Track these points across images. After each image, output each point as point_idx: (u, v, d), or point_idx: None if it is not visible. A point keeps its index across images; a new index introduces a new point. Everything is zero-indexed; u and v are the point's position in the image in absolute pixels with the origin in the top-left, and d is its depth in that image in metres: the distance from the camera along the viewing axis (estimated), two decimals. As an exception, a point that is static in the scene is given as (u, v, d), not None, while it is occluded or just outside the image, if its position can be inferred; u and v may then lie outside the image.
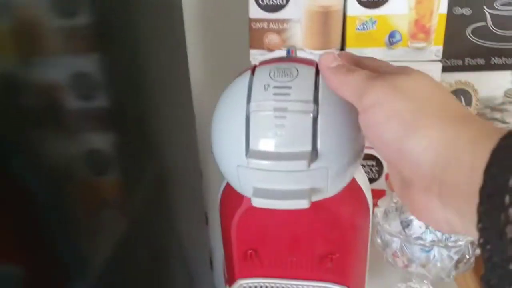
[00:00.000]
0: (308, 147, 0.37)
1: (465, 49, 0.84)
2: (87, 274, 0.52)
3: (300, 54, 0.66)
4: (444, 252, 0.51)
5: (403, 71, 0.31)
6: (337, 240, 0.50)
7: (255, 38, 0.69)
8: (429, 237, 0.51)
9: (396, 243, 0.52)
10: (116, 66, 0.54)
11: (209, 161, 0.97)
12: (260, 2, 0.66)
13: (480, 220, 0.23)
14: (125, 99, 0.58)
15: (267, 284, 0.54)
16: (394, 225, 0.53)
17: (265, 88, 0.39)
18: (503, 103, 0.71)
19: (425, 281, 0.58)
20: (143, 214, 0.68)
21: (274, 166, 0.37)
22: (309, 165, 0.36)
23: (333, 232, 0.50)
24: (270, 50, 0.70)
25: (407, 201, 0.31)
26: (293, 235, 0.52)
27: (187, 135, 0.88)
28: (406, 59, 0.67)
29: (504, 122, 0.67)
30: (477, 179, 0.23)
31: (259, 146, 0.38)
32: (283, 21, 0.67)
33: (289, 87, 0.38)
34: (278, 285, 0.54)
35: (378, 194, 0.62)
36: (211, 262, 1.06)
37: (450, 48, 0.85)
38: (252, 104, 0.38)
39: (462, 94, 0.62)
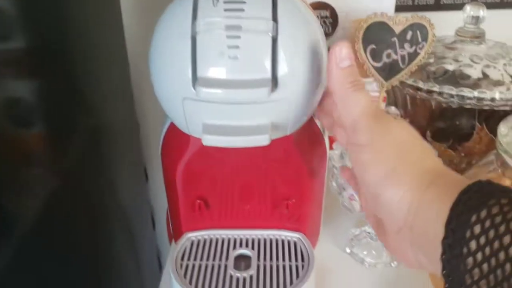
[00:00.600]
0: (267, 73, 0.32)
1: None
2: (12, 234, 0.45)
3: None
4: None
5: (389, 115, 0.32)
6: (294, 185, 0.46)
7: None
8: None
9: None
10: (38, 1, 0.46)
11: (146, 112, 0.89)
12: None
13: (444, 267, 0.25)
14: (49, 40, 0.50)
15: (218, 236, 0.49)
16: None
17: (213, 3, 0.32)
18: (454, 42, 0.69)
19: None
20: (76, 171, 0.61)
21: (227, 96, 0.31)
22: (269, 93, 0.31)
23: (289, 176, 0.45)
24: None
25: (381, 238, 0.33)
26: (246, 182, 0.47)
27: (121, 82, 0.80)
28: (358, -6, 0.62)
29: (456, 60, 0.65)
30: (441, 231, 0.26)
31: (208, 73, 0.32)
32: None
33: (243, 2, 0.33)
34: (230, 236, 0.49)
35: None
36: (153, 222, 1.01)
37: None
38: (199, 22, 0.32)
39: (418, 29, 0.58)
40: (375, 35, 0.58)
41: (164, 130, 0.46)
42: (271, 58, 0.32)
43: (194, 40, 0.32)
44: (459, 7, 0.72)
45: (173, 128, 0.45)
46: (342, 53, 0.32)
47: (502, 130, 0.47)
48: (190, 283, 0.43)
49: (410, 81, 0.65)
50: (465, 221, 0.24)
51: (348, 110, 0.32)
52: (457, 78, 0.63)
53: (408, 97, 0.67)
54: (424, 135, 0.68)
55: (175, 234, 0.52)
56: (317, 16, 0.65)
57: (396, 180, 0.29)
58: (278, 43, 0.32)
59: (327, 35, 0.65)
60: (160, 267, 1.01)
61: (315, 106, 0.38)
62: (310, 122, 0.45)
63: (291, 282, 0.43)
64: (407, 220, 0.29)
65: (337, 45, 0.32)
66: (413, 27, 0.58)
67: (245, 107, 0.33)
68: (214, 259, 0.46)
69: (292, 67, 0.33)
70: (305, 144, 0.44)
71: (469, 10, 0.68)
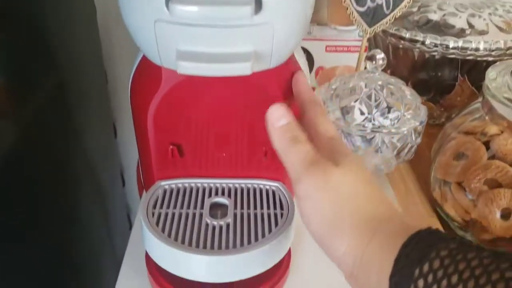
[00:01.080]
0: (251, -6, 0.29)
1: None
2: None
3: None
4: (387, 140, 0.46)
5: (337, 159, 0.31)
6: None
7: None
8: (370, 125, 0.46)
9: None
10: None
11: (115, 66, 0.85)
12: None
13: None
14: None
15: (192, 185, 0.46)
16: (333, 114, 0.47)
17: None
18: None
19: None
20: (41, 125, 0.57)
21: (205, 15, 0.28)
22: (252, 12, 0.28)
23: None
24: None
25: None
26: (223, 126, 0.44)
27: (89, 35, 0.75)
28: None
29: (440, 9, 0.63)
30: (385, 284, 0.26)
31: (184, -9, 0.29)
32: None
33: None
34: (205, 185, 0.46)
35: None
36: (122, 179, 0.97)
37: None
38: None
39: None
40: (360, -23, 0.55)
41: (134, 67, 0.42)
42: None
43: None
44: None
45: (143, 65, 0.41)
46: (278, 113, 0.33)
47: (491, 74, 0.45)
48: (163, 231, 0.41)
49: (393, 30, 0.63)
50: (408, 275, 0.25)
51: (289, 164, 0.32)
52: (441, 27, 0.61)
53: (390, 47, 0.64)
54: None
55: (147, 184, 0.48)
56: None
57: (337, 233, 0.29)
58: (264, -41, 0.29)
59: None
60: (130, 225, 0.99)
61: (300, 37, 0.35)
62: (292, 60, 0.42)
63: (270, 230, 0.41)
64: (353, 271, 0.29)
65: (272, 107, 0.34)
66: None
67: (225, 31, 0.29)
68: (188, 207, 0.44)
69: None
70: (286, 84, 0.42)
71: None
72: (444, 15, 0.62)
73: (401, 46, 0.62)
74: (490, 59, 0.60)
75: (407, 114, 0.47)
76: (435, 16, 0.63)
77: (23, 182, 0.52)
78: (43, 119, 0.58)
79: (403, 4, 0.58)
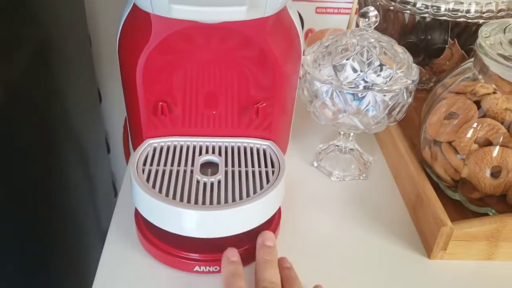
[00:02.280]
0: None
1: None
2: None
3: None
4: (379, 98, 0.46)
5: None
6: (266, 85, 0.42)
7: None
8: (362, 83, 0.46)
9: (326, 92, 0.47)
10: None
11: (99, 30, 0.82)
12: None
13: None
14: None
15: (182, 143, 0.46)
16: (325, 72, 0.47)
17: None
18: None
19: (351, 138, 0.54)
20: (22, 86, 0.55)
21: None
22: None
23: (263, 75, 0.42)
24: None
25: None
26: (214, 82, 0.43)
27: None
28: None
29: None
30: None
31: None
32: None
33: None
34: (195, 143, 0.46)
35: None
36: (107, 146, 0.96)
37: None
38: None
39: None
40: None
41: (122, 20, 0.41)
42: None
43: None
44: None
45: (132, 17, 0.40)
46: (269, 235, 0.40)
47: (484, 32, 0.45)
48: (153, 187, 0.40)
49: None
50: None
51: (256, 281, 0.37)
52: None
53: (381, 9, 0.63)
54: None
55: (135, 143, 0.48)
56: None
57: None
58: None
59: None
60: (116, 193, 0.98)
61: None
62: (286, 15, 0.41)
63: (261, 187, 0.41)
64: None
65: (265, 231, 0.40)
66: None
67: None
68: (178, 165, 0.43)
69: None
70: (280, 39, 0.41)
71: None
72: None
73: (391, 8, 0.61)
74: (481, 21, 0.59)
75: (399, 72, 0.46)
76: None
77: (2, 144, 0.51)
78: (25, 79, 0.56)
79: (395, -36, 0.57)
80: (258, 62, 0.41)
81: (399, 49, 0.48)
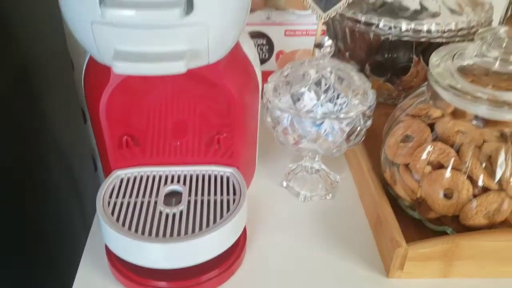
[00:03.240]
0: (181, -6, 0.30)
1: None
2: None
3: None
4: (336, 125, 0.48)
5: None
6: (225, 117, 0.45)
7: None
8: (320, 110, 0.48)
9: (286, 119, 0.49)
10: None
11: (80, 52, 0.85)
12: None
13: None
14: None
15: (148, 173, 0.48)
16: (285, 100, 0.49)
17: None
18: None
19: (316, 159, 0.56)
20: (7, 108, 0.57)
21: (136, 18, 0.29)
22: (181, 15, 0.29)
23: (220, 109, 0.44)
24: None
25: None
26: (176, 115, 0.45)
27: (51, 18, 0.74)
28: None
29: None
30: None
31: (116, -6, 0.29)
32: None
33: None
34: (161, 173, 0.48)
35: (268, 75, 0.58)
36: (94, 164, 0.98)
37: None
38: None
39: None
40: (311, -37, 0.56)
41: (85, 62, 0.43)
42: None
43: None
44: None
45: (93, 59, 0.42)
46: None
47: (433, 61, 0.47)
48: (118, 220, 0.42)
49: (349, 13, 0.64)
50: None
51: None
52: (395, 10, 0.62)
53: (347, 30, 0.66)
54: (363, 69, 0.68)
55: (105, 173, 0.50)
56: (255, 44, 0.67)
57: None
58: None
59: (264, 60, 0.68)
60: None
61: (239, 32, 0.36)
62: (239, 52, 0.43)
63: (221, 216, 0.43)
64: None
65: None
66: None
67: (159, 31, 0.30)
68: (144, 196, 0.45)
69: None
70: (235, 75, 0.43)
71: None
72: (398, -3, 0.63)
73: (357, 29, 0.64)
74: (444, 40, 0.61)
75: (354, 100, 0.48)
76: None
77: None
78: (10, 100, 0.58)
79: (355, -11, 0.59)
80: (214, 97, 0.43)
81: (356, 76, 0.50)
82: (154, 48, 0.31)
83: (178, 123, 0.45)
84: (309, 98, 0.48)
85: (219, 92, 0.42)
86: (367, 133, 0.52)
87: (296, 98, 0.49)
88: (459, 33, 0.61)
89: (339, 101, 0.48)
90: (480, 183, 0.45)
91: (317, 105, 0.48)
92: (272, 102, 0.49)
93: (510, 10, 0.56)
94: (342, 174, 0.60)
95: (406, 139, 0.49)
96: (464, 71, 0.46)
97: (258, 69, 0.45)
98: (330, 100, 0.48)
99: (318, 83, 0.48)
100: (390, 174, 0.51)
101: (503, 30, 0.45)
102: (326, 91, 0.48)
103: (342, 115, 0.48)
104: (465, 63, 0.47)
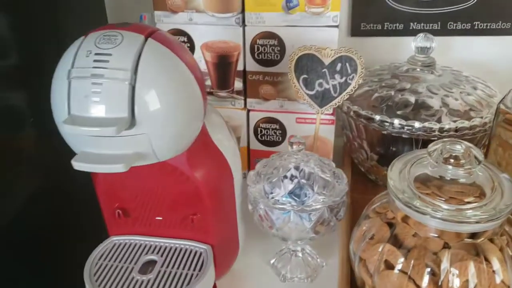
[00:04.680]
0: (124, 114, 0.39)
1: (385, 14, 0.85)
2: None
3: (201, 16, 0.66)
4: (302, 216, 0.53)
5: None
6: (194, 202, 0.52)
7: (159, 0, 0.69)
8: (287, 200, 0.53)
9: (261, 206, 0.54)
10: None
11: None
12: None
13: None
14: None
15: (137, 242, 0.56)
16: (259, 188, 0.55)
17: (87, 54, 0.39)
18: (407, 71, 0.71)
19: (299, 242, 0.61)
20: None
21: (85, 132, 0.38)
22: (118, 132, 0.38)
23: (190, 193, 0.51)
24: (174, 11, 0.70)
25: None
26: (156, 196, 0.53)
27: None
28: (303, 24, 0.67)
29: (416, 92, 0.67)
30: None
31: (77, 111, 0.39)
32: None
33: (110, 54, 0.39)
34: (147, 242, 0.56)
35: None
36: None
37: (370, 12, 0.85)
38: (73, 70, 0.39)
39: (347, 61, 0.62)
40: (306, 66, 0.63)
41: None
42: (128, 101, 0.38)
43: (70, 84, 0.39)
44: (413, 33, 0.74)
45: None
46: None
47: (394, 166, 0.50)
48: (96, 280, 0.51)
49: (354, 107, 0.68)
50: None
51: None
52: (393, 108, 0.66)
53: (352, 121, 0.70)
54: (368, 158, 0.72)
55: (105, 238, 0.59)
56: (267, 129, 0.74)
57: None
58: (136, 90, 0.39)
59: (277, 143, 0.74)
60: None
61: (189, 138, 0.44)
62: (208, 141, 0.51)
63: (181, 288, 0.50)
64: None
65: None
66: (341, 59, 0.62)
67: (108, 139, 0.39)
68: (125, 261, 0.54)
69: (148, 110, 0.39)
70: (201, 164, 0.50)
71: (419, 41, 0.70)
72: (403, 94, 0.67)
73: (358, 122, 0.68)
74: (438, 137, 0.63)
75: (318, 195, 0.53)
76: (412, 99, 0.67)
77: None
78: None
79: (349, 89, 0.64)
80: (184, 184, 0.50)
81: (322, 174, 0.55)
82: (106, 151, 0.40)
83: (159, 203, 0.54)
84: (278, 189, 0.54)
85: (186, 180, 0.50)
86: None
87: (271, 187, 0.55)
88: (471, 130, 0.63)
89: (308, 194, 0.53)
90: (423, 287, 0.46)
91: (285, 196, 0.54)
92: (249, 188, 0.56)
93: (497, 115, 0.57)
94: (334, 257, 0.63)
95: (367, 235, 0.52)
96: (421, 181, 0.48)
97: (233, 155, 0.53)
98: (298, 192, 0.53)
99: (287, 176, 0.54)
100: (356, 266, 0.54)
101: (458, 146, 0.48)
102: (295, 184, 0.54)
103: (306, 208, 0.53)
104: (422, 172, 0.49)
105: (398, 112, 0.66)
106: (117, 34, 0.40)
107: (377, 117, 0.65)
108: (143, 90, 0.39)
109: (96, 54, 0.39)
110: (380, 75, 0.74)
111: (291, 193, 0.53)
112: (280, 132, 0.75)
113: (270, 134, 0.76)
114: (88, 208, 0.79)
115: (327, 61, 0.63)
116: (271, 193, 0.54)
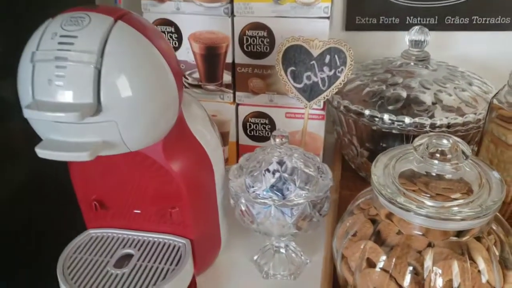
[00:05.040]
0: (89, 99, 0.37)
1: (381, 7, 0.82)
2: None
3: (189, 6, 0.65)
4: (283, 211, 0.51)
5: None
6: (172, 195, 0.50)
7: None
8: (268, 195, 0.51)
9: (241, 200, 0.53)
10: None
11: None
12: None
13: None
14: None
15: (114, 235, 0.55)
16: (240, 182, 0.53)
17: (52, 36, 0.38)
18: (400, 65, 0.69)
19: (283, 238, 0.59)
20: None
21: (48, 117, 0.36)
22: (82, 118, 0.36)
23: (168, 188, 0.50)
24: (161, 0, 0.69)
25: None
26: (132, 188, 0.52)
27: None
28: (294, 15, 0.65)
29: (409, 87, 0.65)
30: None
31: (40, 96, 0.38)
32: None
33: (75, 37, 0.37)
34: (124, 236, 0.54)
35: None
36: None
37: (365, 6, 0.83)
38: (38, 52, 0.38)
39: (336, 53, 0.60)
40: (294, 57, 0.61)
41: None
42: (94, 86, 0.37)
43: (33, 67, 0.38)
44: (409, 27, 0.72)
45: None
46: None
47: (378, 162, 0.48)
48: (70, 274, 0.49)
49: (344, 102, 0.67)
50: None
51: None
52: (411, 105, 0.63)
53: (342, 117, 0.68)
54: (358, 154, 0.70)
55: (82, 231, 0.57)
56: (256, 123, 0.70)
57: None
58: (102, 73, 0.37)
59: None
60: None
61: (163, 128, 0.42)
62: (185, 131, 0.49)
63: (155, 283, 0.48)
64: None
65: None
66: (330, 51, 0.60)
67: (72, 126, 0.38)
68: (101, 255, 0.52)
69: (115, 96, 0.37)
70: (180, 156, 0.48)
71: (413, 34, 0.68)
72: (394, 89, 0.65)
73: (348, 117, 0.66)
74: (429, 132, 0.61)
75: (301, 189, 0.51)
76: (404, 94, 0.65)
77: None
78: None
79: (338, 82, 0.62)
80: (161, 176, 0.49)
81: (312, 167, 0.53)
82: (71, 139, 0.38)
83: (136, 195, 0.52)
84: (259, 183, 0.52)
85: (163, 171, 0.48)
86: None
87: (253, 181, 0.53)
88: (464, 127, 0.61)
89: (290, 188, 0.51)
90: (405, 286, 0.44)
91: (266, 190, 0.52)
92: (231, 181, 0.54)
93: (490, 111, 0.55)
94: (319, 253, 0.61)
95: (349, 231, 0.50)
96: (406, 177, 0.46)
97: (214, 148, 0.51)
98: (280, 187, 0.51)
99: (269, 170, 0.52)
100: (338, 263, 0.52)
101: (444, 140, 0.46)
102: (276, 178, 0.52)
103: (288, 202, 0.51)
104: (407, 168, 0.47)
105: (389, 107, 0.64)
106: (84, 16, 0.39)
107: (367, 112, 0.63)
108: (110, 75, 0.37)
109: (61, 36, 0.38)
110: (373, 70, 0.72)
111: (272, 187, 0.52)
112: (269, 127, 0.73)
113: (259, 129, 0.74)
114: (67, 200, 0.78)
115: (315, 52, 0.61)
116: (252, 187, 0.52)
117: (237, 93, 0.73)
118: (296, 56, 0.62)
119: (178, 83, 0.43)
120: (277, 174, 0.52)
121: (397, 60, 0.72)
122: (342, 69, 0.61)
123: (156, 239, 0.54)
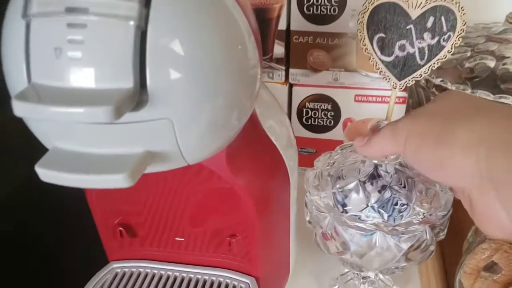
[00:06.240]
0: (127, 83, 0.21)
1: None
2: None
3: None
4: (390, 240, 0.36)
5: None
6: (234, 219, 0.35)
7: None
8: (371, 215, 0.36)
9: (326, 221, 0.37)
10: None
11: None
12: None
13: None
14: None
15: (148, 270, 0.39)
16: (325, 196, 0.37)
17: (57, -26, 0.21)
18: (504, 32, 0.53)
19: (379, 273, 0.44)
20: None
21: (56, 116, 0.20)
22: (117, 115, 0.20)
23: (225, 208, 0.34)
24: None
25: (476, 217, 0.29)
26: (175, 208, 0.36)
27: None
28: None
29: (502, 56, 0.50)
30: None
31: (41, 79, 0.21)
32: None
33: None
34: (162, 271, 0.39)
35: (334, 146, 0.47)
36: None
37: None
38: (34, 2, 0.21)
39: (443, 14, 0.44)
40: (384, 20, 0.45)
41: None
42: (134, 59, 0.21)
43: (28, 29, 0.22)
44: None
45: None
46: (359, 139, 0.34)
47: None
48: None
49: (437, 81, 0.51)
50: None
51: (382, 142, 0.33)
52: (497, 81, 0.48)
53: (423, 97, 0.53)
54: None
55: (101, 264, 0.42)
56: (316, 109, 0.57)
57: (449, 135, 0.27)
58: (149, 37, 0.21)
59: (329, 128, 0.58)
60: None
61: (235, 127, 0.26)
62: (259, 138, 0.33)
63: None
64: (481, 169, 0.25)
65: (356, 140, 0.35)
66: (435, 11, 0.44)
67: (101, 129, 0.22)
68: (134, 301, 0.37)
69: (171, 76, 0.21)
70: (251, 168, 0.33)
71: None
72: (504, 64, 0.49)
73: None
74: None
75: (419, 207, 0.36)
76: (492, 64, 0.50)
77: None
78: None
79: (442, 54, 0.46)
80: (220, 192, 0.33)
81: (420, 182, 0.38)
82: (92, 150, 0.23)
83: (181, 217, 0.36)
84: (357, 198, 0.37)
85: (224, 188, 0.32)
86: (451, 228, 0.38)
87: (344, 195, 0.37)
88: None
89: (398, 206, 0.36)
90: None
91: (368, 209, 0.36)
92: (309, 196, 0.38)
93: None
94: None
95: (490, 267, 0.35)
96: None
97: (287, 147, 0.35)
98: (385, 204, 0.36)
99: (371, 179, 0.37)
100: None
101: None
102: (381, 191, 0.36)
103: (400, 228, 0.35)
104: None
105: (502, 86, 0.48)
106: None
107: (473, 93, 0.48)
108: (161, 39, 0.21)
109: (75, -28, 0.21)
110: (467, 39, 0.56)
111: (373, 205, 0.36)
112: (333, 113, 0.57)
113: (319, 117, 0.58)
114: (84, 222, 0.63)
115: (414, 13, 0.45)
116: (344, 204, 0.37)
117: (291, 70, 0.57)
118: (388, 19, 0.45)
119: (259, 53, 0.27)
120: (381, 185, 0.36)
121: (497, 26, 0.56)
122: (449, 36, 0.45)
123: (206, 278, 0.39)
